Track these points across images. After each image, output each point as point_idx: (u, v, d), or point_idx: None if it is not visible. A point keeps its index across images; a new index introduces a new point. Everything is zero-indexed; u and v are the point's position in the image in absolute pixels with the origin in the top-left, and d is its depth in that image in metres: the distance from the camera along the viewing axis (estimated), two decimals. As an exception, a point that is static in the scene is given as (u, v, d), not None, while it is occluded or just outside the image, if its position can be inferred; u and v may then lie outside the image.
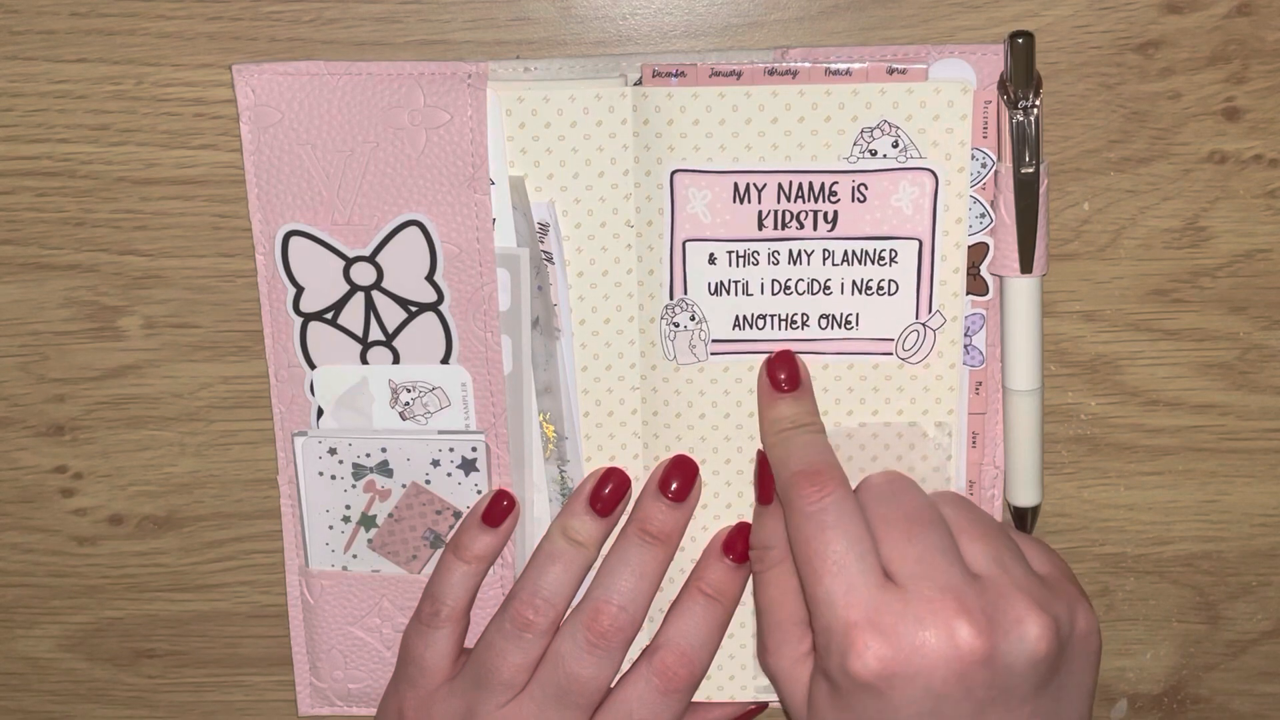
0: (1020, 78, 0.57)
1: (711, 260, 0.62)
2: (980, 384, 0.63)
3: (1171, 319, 0.64)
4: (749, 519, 0.65)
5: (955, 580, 0.56)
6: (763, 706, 0.68)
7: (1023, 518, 0.64)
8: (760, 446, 0.64)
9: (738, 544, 0.64)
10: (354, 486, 0.66)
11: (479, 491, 0.65)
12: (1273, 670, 0.70)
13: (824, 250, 0.61)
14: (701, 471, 0.65)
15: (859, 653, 0.56)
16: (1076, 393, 0.65)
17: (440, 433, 0.65)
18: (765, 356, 0.63)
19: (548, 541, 0.64)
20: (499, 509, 0.64)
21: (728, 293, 0.62)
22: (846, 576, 0.57)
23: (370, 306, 0.63)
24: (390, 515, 0.66)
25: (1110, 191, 0.62)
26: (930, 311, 0.62)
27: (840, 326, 0.62)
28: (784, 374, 0.62)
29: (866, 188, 0.60)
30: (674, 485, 0.64)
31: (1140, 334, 0.64)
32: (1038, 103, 0.58)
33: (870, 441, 0.64)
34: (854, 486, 0.61)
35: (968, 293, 0.62)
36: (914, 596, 0.56)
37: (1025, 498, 0.64)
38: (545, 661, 0.63)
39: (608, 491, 0.63)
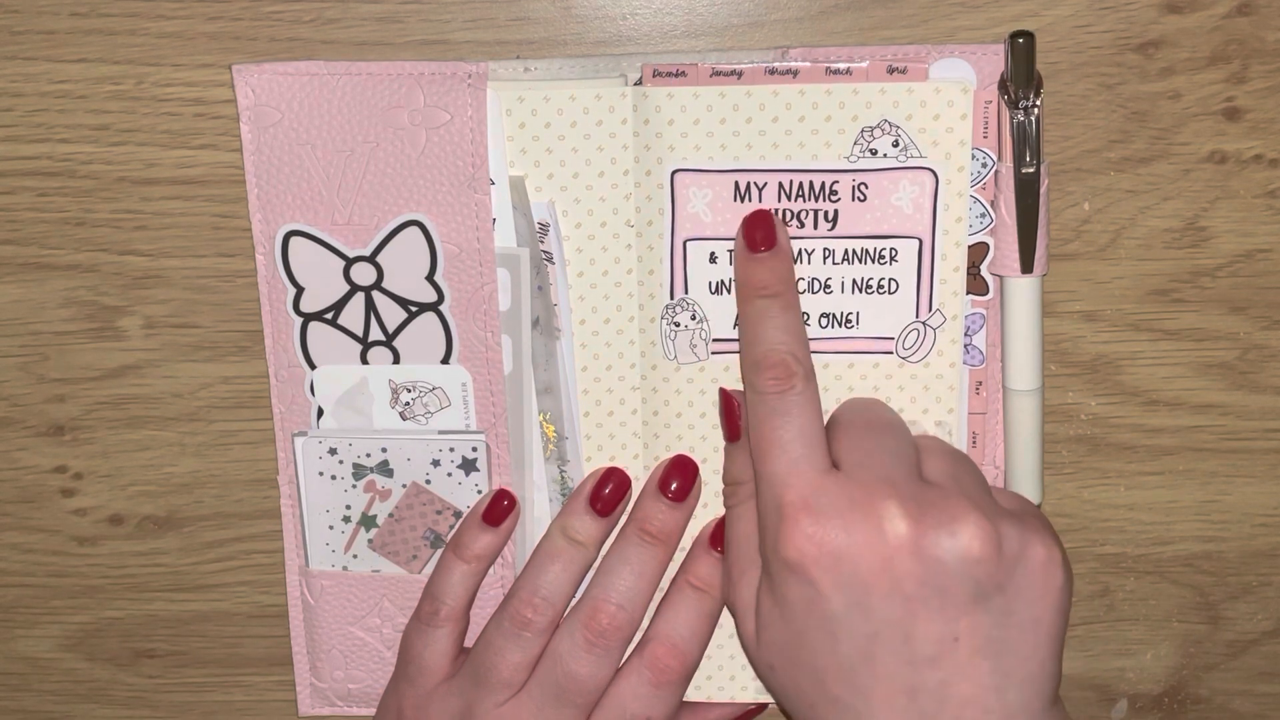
0: (1021, 78, 0.57)
1: (712, 259, 0.62)
2: (980, 384, 0.63)
3: (1171, 319, 0.64)
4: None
5: (897, 474, 0.56)
6: (763, 707, 0.68)
7: (1023, 517, 0.64)
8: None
9: (723, 535, 0.64)
10: (354, 486, 0.66)
11: (479, 491, 0.65)
12: (1273, 670, 0.70)
13: (824, 249, 0.61)
14: (702, 471, 0.65)
15: (789, 531, 0.56)
16: (1077, 393, 0.65)
17: (440, 433, 0.65)
18: (743, 216, 0.61)
19: (547, 541, 0.64)
20: (499, 508, 0.64)
21: (728, 292, 0.62)
22: (790, 458, 0.57)
23: (370, 306, 0.63)
24: (390, 515, 0.66)
25: (1110, 191, 0.62)
26: (930, 311, 0.62)
27: (840, 325, 0.62)
28: (760, 233, 0.60)
29: (867, 187, 0.60)
30: (674, 485, 0.64)
31: (1140, 334, 0.64)
32: (1038, 103, 0.58)
33: (870, 441, 0.64)
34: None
35: (968, 292, 0.62)
36: (851, 481, 0.56)
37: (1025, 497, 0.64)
38: (544, 660, 0.63)
39: (608, 491, 0.63)
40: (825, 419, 0.61)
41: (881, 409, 0.61)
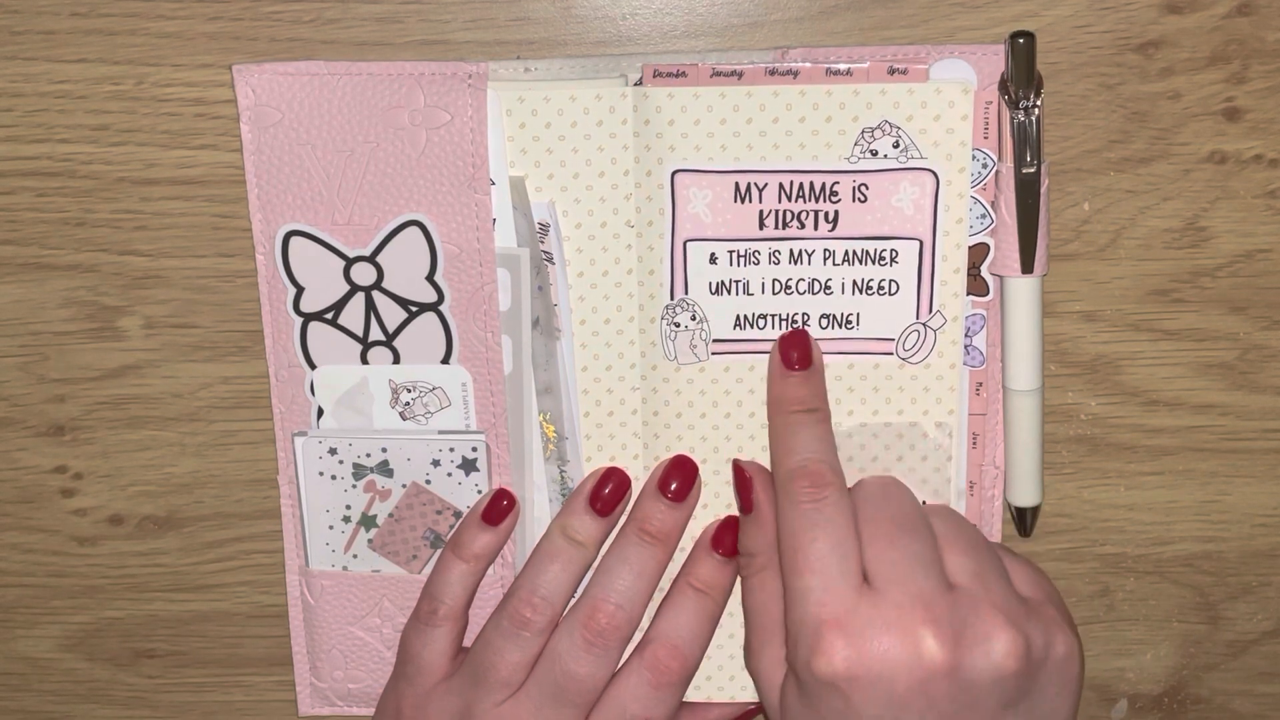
0: (1021, 78, 0.57)
1: (712, 260, 0.62)
2: (981, 384, 0.63)
3: (1171, 319, 0.64)
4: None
5: (928, 589, 0.57)
6: (761, 707, 0.68)
7: (1023, 518, 0.64)
8: (738, 455, 0.64)
9: (726, 538, 0.64)
10: (354, 486, 0.66)
11: (479, 491, 0.65)
12: (1273, 670, 0.70)
13: (825, 250, 0.62)
14: (702, 471, 0.65)
15: (825, 651, 0.56)
16: (1077, 393, 0.65)
17: (440, 433, 0.65)
18: (779, 335, 0.63)
19: (547, 540, 0.64)
20: (499, 508, 0.64)
21: (728, 292, 0.62)
22: (825, 576, 0.57)
23: (370, 306, 0.63)
24: (390, 515, 0.66)
25: (1110, 191, 0.62)
26: (931, 311, 0.62)
27: (841, 326, 0.62)
28: (796, 352, 0.62)
29: (867, 188, 0.60)
30: (674, 485, 0.64)
31: (1140, 334, 0.64)
32: (1038, 103, 0.58)
33: (870, 441, 0.64)
34: (851, 486, 0.61)
35: (968, 293, 0.62)
36: (885, 601, 0.56)
37: (1025, 498, 0.64)
38: (542, 660, 0.63)
39: (608, 491, 0.63)
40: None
41: (902, 496, 0.61)
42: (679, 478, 0.64)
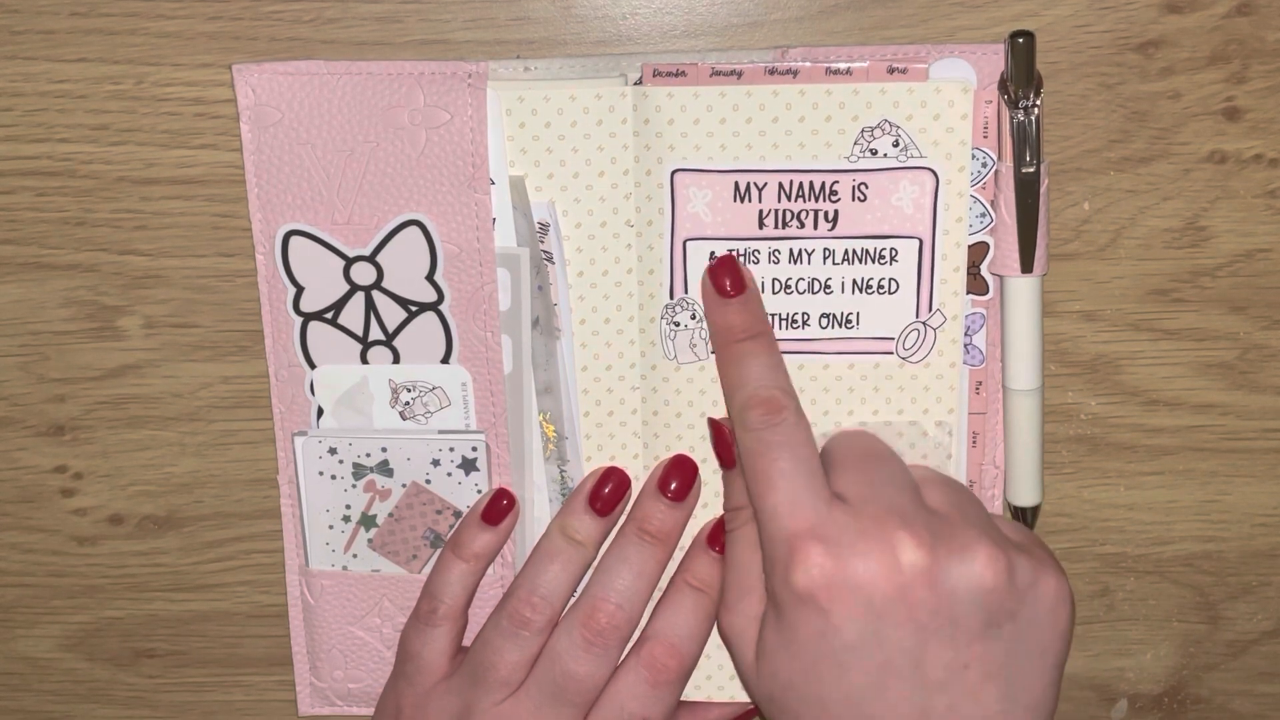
0: (1021, 77, 0.57)
1: (712, 259, 0.62)
2: (980, 384, 0.63)
3: (1171, 319, 0.64)
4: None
5: (904, 504, 0.56)
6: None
7: (1023, 518, 0.64)
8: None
9: (721, 535, 0.64)
10: (354, 486, 0.65)
11: (479, 491, 0.65)
12: (1273, 670, 0.70)
13: (824, 249, 0.62)
14: (702, 471, 0.65)
15: (801, 562, 0.55)
16: (1076, 393, 0.65)
17: (440, 432, 0.65)
18: (707, 266, 0.62)
19: (546, 540, 0.64)
20: (499, 508, 0.64)
21: (728, 292, 0.62)
22: (792, 490, 0.57)
23: (370, 306, 0.63)
24: (390, 515, 0.66)
25: (1110, 191, 0.62)
26: (930, 310, 0.62)
27: (841, 326, 0.62)
28: (729, 278, 0.61)
29: (867, 187, 0.60)
30: (673, 485, 0.64)
31: (1140, 334, 0.64)
32: (1038, 102, 0.58)
33: (871, 441, 0.64)
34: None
35: (968, 292, 0.62)
36: (860, 513, 0.56)
37: (1025, 498, 0.64)
38: (542, 659, 0.63)
39: (607, 491, 0.63)
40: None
41: (873, 440, 0.61)
42: (679, 477, 0.64)
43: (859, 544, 0.55)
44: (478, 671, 0.63)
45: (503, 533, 0.64)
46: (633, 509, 0.64)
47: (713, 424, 0.63)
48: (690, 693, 0.66)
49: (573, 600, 0.64)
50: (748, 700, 0.67)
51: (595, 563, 0.64)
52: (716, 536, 0.64)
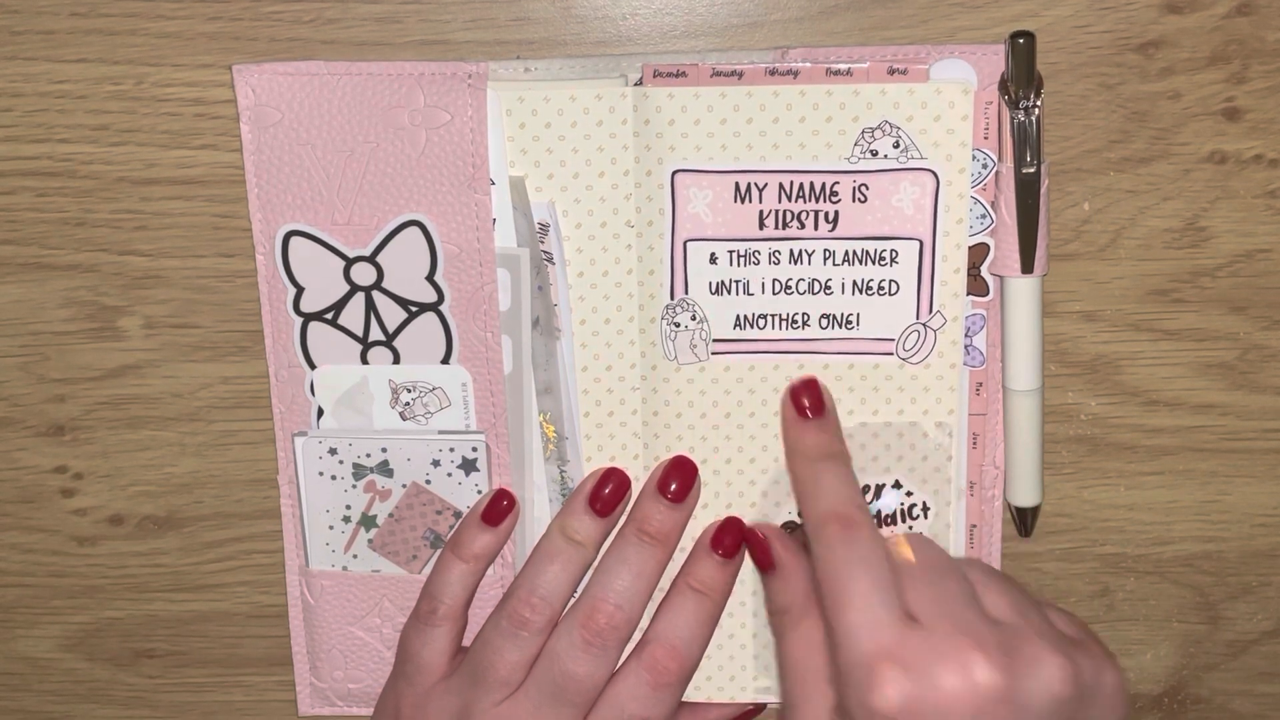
0: (1021, 78, 0.58)
1: (712, 260, 0.62)
2: (981, 385, 0.63)
3: (1171, 319, 0.64)
4: (749, 516, 0.65)
5: (974, 620, 0.56)
6: (761, 707, 0.68)
7: (1023, 518, 0.64)
8: (738, 454, 0.64)
9: (725, 539, 0.64)
10: (354, 486, 0.65)
11: (479, 491, 0.65)
12: (1273, 670, 0.70)
13: (825, 250, 0.61)
14: (702, 471, 0.65)
15: (880, 685, 0.55)
16: (1076, 393, 0.65)
17: (440, 433, 0.65)
18: (789, 384, 0.63)
19: (546, 540, 0.64)
20: (499, 508, 0.64)
21: (728, 292, 0.62)
22: (871, 611, 0.57)
23: (370, 306, 0.63)
24: (390, 515, 0.66)
25: (1110, 191, 0.62)
26: (931, 311, 0.62)
27: (841, 326, 0.62)
28: (808, 399, 0.62)
29: (867, 188, 0.60)
30: (673, 486, 0.64)
31: (1140, 334, 0.64)
32: (1038, 103, 0.58)
33: (871, 441, 0.64)
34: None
35: (968, 293, 0.62)
36: (934, 634, 0.56)
37: (1025, 498, 0.64)
38: (541, 660, 0.63)
39: (607, 491, 0.64)
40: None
41: (933, 546, 0.61)
42: (678, 478, 0.64)
43: (936, 666, 0.55)
44: (477, 671, 0.63)
45: (502, 533, 0.64)
46: (632, 510, 0.64)
47: (748, 532, 0.63)
48: (690, 693, 0.66)
49: (572, 601, 0.64)
50: (747, 700, 0.68)
51: (595, 563, 0.64)
52: (719, 540, 0.64)
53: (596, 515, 0.63)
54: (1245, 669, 0.70)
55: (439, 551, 0.66)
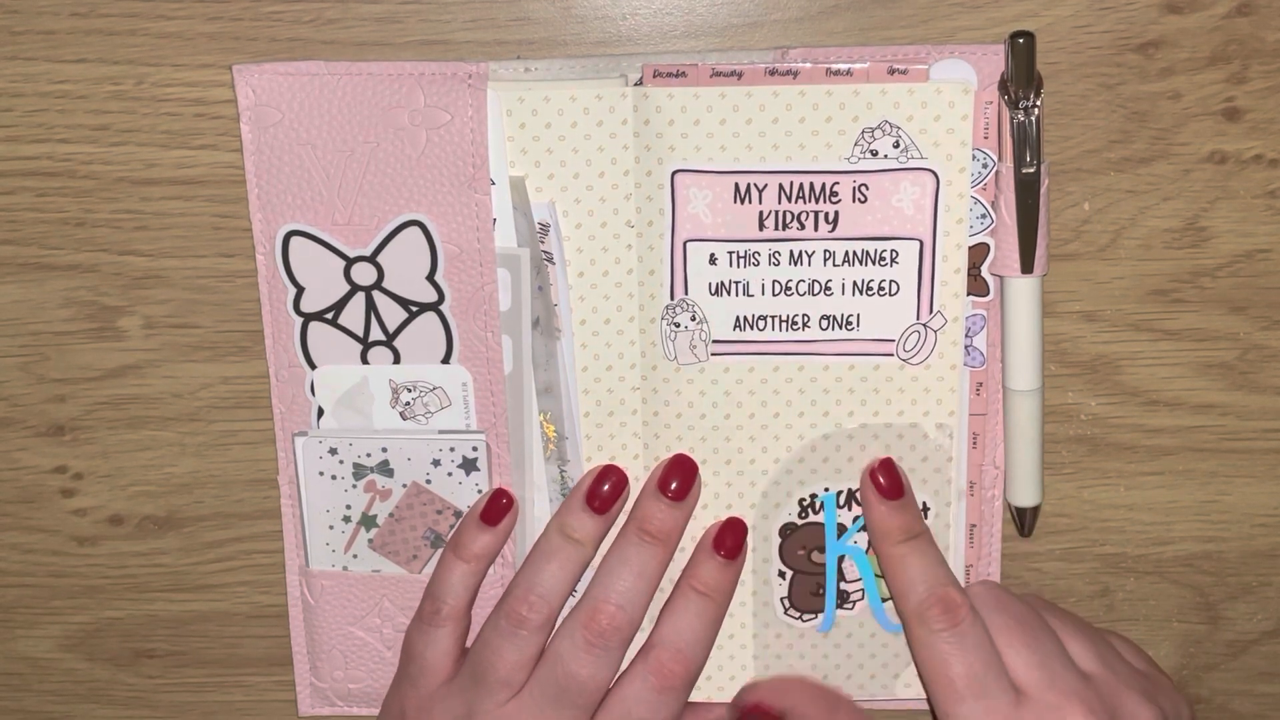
0: (1021, 78, 0.58)
1: (712, 260, 0.62)
2: (981, 384, 0.63)
3: (1171, 319, 0.64)
4: (749, 517, 0.65)
5: (1074, 683, 0.59)
6: (759, 707, 0.68)
7: (1023, 518, 0.64)
8: (737, 455, 0.64)
9: (727, 539, 0.64)
10: (354, 486, 0.65)
11: (479, 491, 0.65)
12: (1273, 670, 0.70)
13: (825, 251, 0.61)
14: (702, 472, 0.64)
15: None
16: (1076, 393, 0.65)
17: (441, 432, 0.65)
18: (867, 465, 0.63)
19: (544, 539, 0.64)
20: (498, 507, 0.64)
21: (728, 293, 0.62)
22: (986, 697, 0.59)
23: (371, 306, 0.63)
24: (391, 515, 0.66)
25: (1110, 191, 0.62)
26: (931, 312, 0.62)
27: (841, 327, 0.62)
28: (885, 480, 0.63)
29: (867, 188, 0.60)
30: (674, 485, 0.64)
31: (1140, 334, 0.64)
32: (1038, 103, 0.58)
33: (871, 442, 0.64)
34: None
35: (969, 294, 0.62)
36: (1042, 705, 0.58)
37: (1025, 498, 0.64)
38: (544, 661, 0.63)
39: (605, 489, 0.63)
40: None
41: (1012, 598, 0.62)
42: (679, 477, 0.64)
43: None
44: (478, 672, 0.63)
45: (502, 533, 0.64)
46: (633, 509, 0.64)
47: (757, 710, 0.64)
48: (692, 693, 0.66)
49: (574, 600, 0.64)
50: (748, 701, 0.68)
51: (597, 562, 0.64)
52: (721, 540, 0.64)
53: (595, 513, 0.63)
54: (1245, 669, 0.70)
55: (439, 551, 0.66)
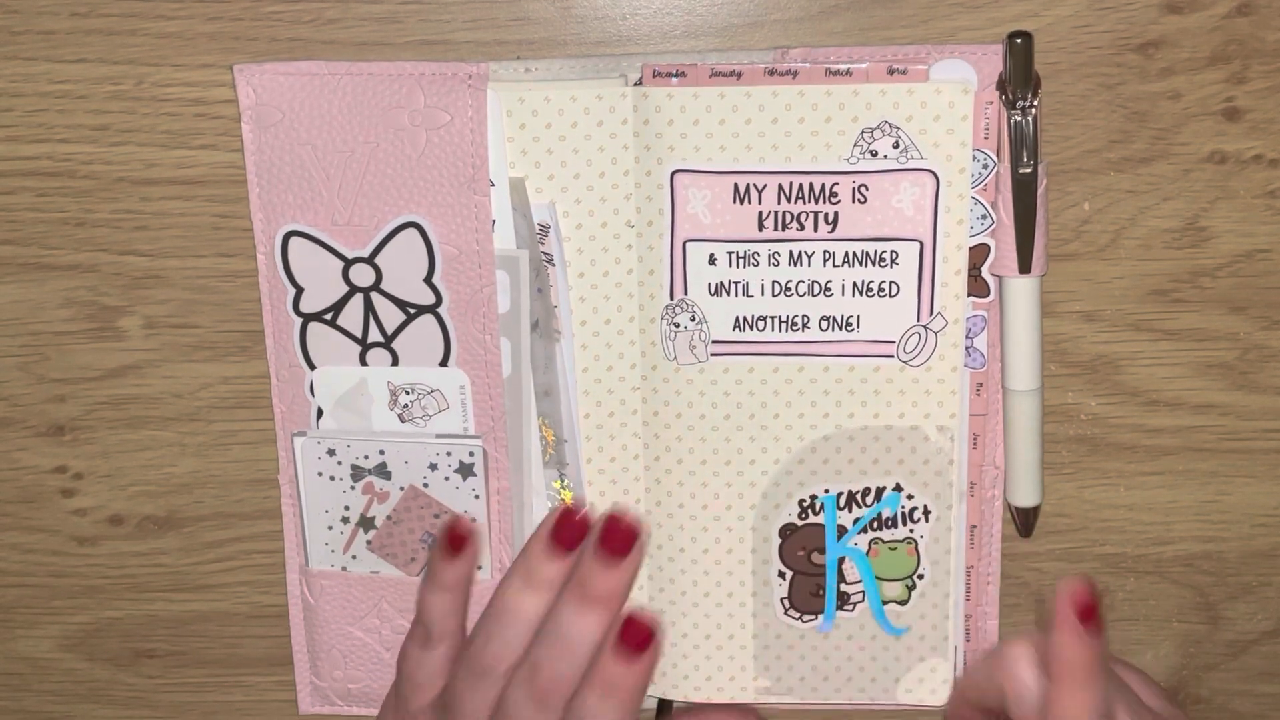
0: (1019, 78, 0.57)
1: (711, 261, 0.62)
2: (981, 385, 0.63)
3: (1171, 319, 0.64)
4: (747, 520, 0.65)
5: None
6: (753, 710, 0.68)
7: (1023, 518, 0.64)
8: (736, 457, 0.64)
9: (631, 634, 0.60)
10: (353, 488, 0.65)
11: (477, 496, 0.65)
12: (1273, 670, 0.70)
13: (824, 251, 0.61)
14: (702, 473, 0.64)
15: None
16: (1076, 393, 0.65)
17: (438, 436, 0.64)
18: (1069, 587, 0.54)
19: (507, 582, 0.61)
20: (457, 539, 0.61)
21: (728, 293, 0.62)
22: None
23: (369, 308, 0.63)
24: (389, 518, 0.66)
25: (1110, 191, 0.62)
26: (932, 314, 0.62)
27: (841, 329, 0.62)
28: (1081, 608, 0.53)
29: (867, 189, 0.60)
30: (613, 545, 0.59)
31: (1140, 334, 0.64)
32: (1036, 103, 0.58)
33: (872, 444, 0.63)
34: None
35: (969, 294, 0.62)
36: None
37: (1025, 498, 0.64)
38: (498, 711, 0.61)
39: (566, 533, 0.60)
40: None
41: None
42: (618, 537, 0.59)
43: None
44: (449, 711, 0.62)
45: (470, 557, 0.62)
46: (576, 572, 0.60)
47: None
48: (690, 693, 0.67)
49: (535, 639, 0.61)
50: (748, 700, 0.67)
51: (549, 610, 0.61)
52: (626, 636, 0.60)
53: (556, 556, 0.60)
54: (1245, 669, 0.70)
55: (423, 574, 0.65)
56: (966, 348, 0.62)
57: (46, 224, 0.64)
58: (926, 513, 0.64)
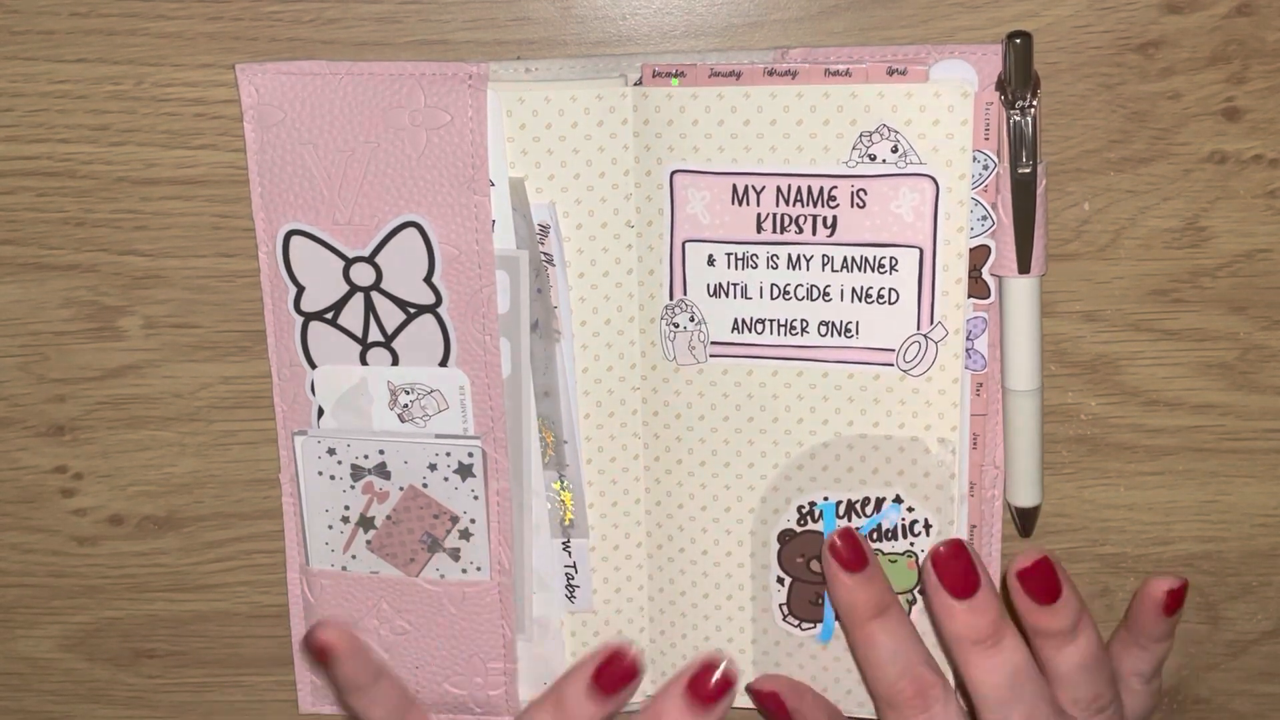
0: (1018, 78, 0.57)
1: (710, 261, 0.62)
2: (981, 385, 0.63)
3: (1171, 319, 0.64)
4: (746, 524, 0.65)
5: None
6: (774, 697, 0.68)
7: (1023, 518, 0.64)
8: (735, 458, 0.64)
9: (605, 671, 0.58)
10: (352, 488, 0.65)
11: (476, 497, 0.65)
12: (1273, 670, 0.70)
13: (823, 256, 0.61)
14: (701, 474, 0.64)
15: None
16: (1076, 393, 0.65)
17: (438, 436, 0.64)
18: (826, 538, 0.62)
19: (537, 713, 0.58)
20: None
21: (727, 295, 0.62)
22: None
23: (369, 307, 0.63)
24: (388, 518, 0.66)
25: (1110, 191, 0.62)
26: (932, 323, 0.61)
27: (840, 334, 0.62)
28: (848, 553, 0.60)
29: (866, 193, 0.60)
30: (605, 680, 0.57)
31: (1140, 334, 0.64)
32: (1035, 103, 0.58)
33: (871, 453, 0.63)
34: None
35: (970, 295, 0.62)
36: None
37: (1025, 498, 0.64)
38: None
39: (611, 677, 0.57)
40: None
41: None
42: (611, 674, 0.57)
43: None
44: None
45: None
46: (560, 696, 0.57)
47: (763, 695, 0.65)
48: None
49: None
50: (747, 704, 0.67)
51: None
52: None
53: (594, 699, 0.57)
54: (1245, 669, 0.70)
55: (436, 555, 0.65)
56: (967, 350, 0.62)
57: (46, 224, 0.64)
58: (928, 526, 0.64)
